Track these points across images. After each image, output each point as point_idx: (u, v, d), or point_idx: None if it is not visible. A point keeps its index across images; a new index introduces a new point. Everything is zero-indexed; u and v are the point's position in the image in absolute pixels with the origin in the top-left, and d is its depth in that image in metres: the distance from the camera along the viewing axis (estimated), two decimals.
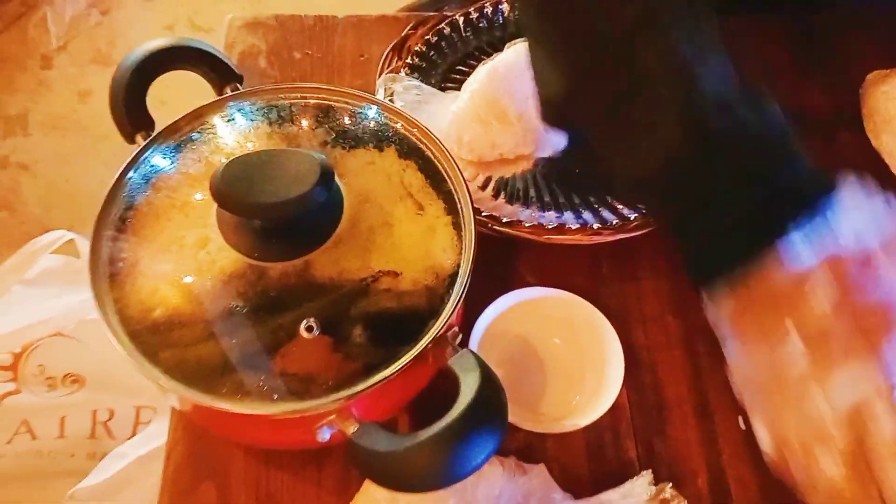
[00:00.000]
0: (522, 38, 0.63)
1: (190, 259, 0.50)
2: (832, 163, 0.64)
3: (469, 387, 0.43)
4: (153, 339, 0.48)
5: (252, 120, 0.56)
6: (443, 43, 0.73)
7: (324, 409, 0.44)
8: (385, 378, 0.45)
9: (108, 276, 0.49)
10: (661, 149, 0.43)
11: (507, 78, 0.64)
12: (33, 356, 0.82)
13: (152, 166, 0.53)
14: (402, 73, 0.69)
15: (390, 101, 0.67)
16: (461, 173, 0.53)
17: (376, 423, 0.44)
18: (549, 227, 0.60)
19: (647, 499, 0.47)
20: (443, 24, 0.73)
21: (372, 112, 0.57)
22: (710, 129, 0.42)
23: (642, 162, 0.44)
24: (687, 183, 0.43)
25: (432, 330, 0.46)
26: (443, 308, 0.48)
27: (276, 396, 0.46)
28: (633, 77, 0.44)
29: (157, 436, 0.77)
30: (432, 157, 0.55)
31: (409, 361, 0.46)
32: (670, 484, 0.50)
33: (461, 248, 0.51)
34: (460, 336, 0.49)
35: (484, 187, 0.65)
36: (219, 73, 0.58)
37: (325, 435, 0.46)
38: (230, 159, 0.47)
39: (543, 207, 0.64)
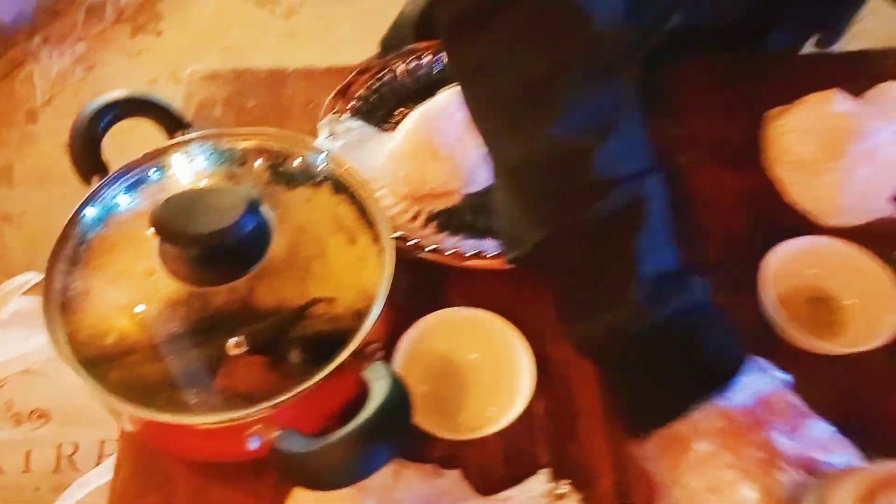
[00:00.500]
0: (453, 84, 0.70)
1: (136, 288, 0.56)
2: (737, 196, 0.71)
3: (378, 393, 0.49)
4: (102, 361, 0.53)
5: (197, 161, 0.62)
6: (384, 88, 0.79)
7: (249, 418, 0.50)
8: (302, 391, 0.50)
9: (60, 305, 0.54)
10: (611, 321, 0.55)
11: (437, 119, 0.71)
12: (2, 393, 0.86)
13: (104, 205, 0.59)
14: (346, 116, 0.76)
15: (332, 141, 0.73)
16: (382, 207, 0.59)
17: (295, 430, 0.49)
18: (468, 254, 0.66)
19: (545, 494, 0.52)
20: (384, 72, 0.80)
21: (309, 153, 0.63)
22: (649, 316, 0.53)
23: (592, 322, 0.56)
24: (628, 352, 0.55)
25: (347, 348, 0.52)
26: (360, 328, 0.53)
27: (210, 409, 0.51)
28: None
29: None
30: (360, 194, 0.61)
31: (326, 376, 0.51)
32: (567, 481, 0.54)
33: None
34: (382, 352, 0.55)
35: (415, 218, 0.71)
36: (168, 120, 0.64)
37: (254, 444, 0.50)
38: (169, 196, 0.53)
39: (469, 236, 0.69)
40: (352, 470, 0.47)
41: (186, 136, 0.63)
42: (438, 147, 0.70)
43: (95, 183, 0.60)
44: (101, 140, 0.61)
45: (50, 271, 0.55)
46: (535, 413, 0.62)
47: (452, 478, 0.55)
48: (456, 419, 0.60)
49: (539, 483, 0.53)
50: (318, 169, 0.63)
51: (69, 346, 0.53)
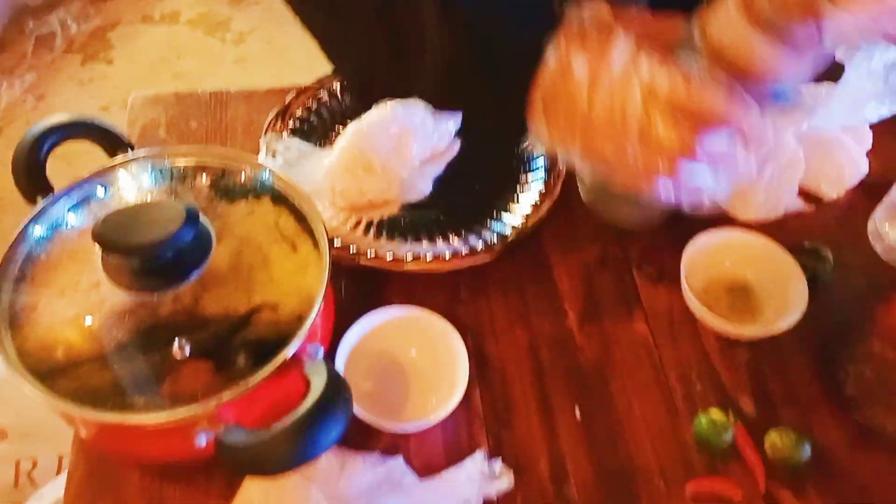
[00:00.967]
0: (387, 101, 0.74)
1: (83, 300, 0.58)
2: None
3: (317, 387, 0.52)
4: (53, 372, 0.55)
5: (139, 180, 0.64)
6: (322, 107, 0.83)
7: (195, 417, 0.52)
8: (245, 390, 0.53)
9: (8, 321, 0.57)
10: None
11: (371, 134, 0.75)
12: None
13: (49, 223, 0.61)
14: (285, 135, 0.79)
15: (272, 159, 0.76)
16: (319, 215, 0.62)
17: (239, 425, 0.52)
18: (407, 259, 0.69)
19: (481, 474, 0.56)
20: (322, 91, 0.83)
21: (250, 169, 0.66)
22: None
23: None
24: None
25: (286, 349, 0.55)
26: (299, 331, 0.56)
27: (157, 409, 0.53)
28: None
29: None
30: (299, 205, 0.64)
31: (267, 376, 0.54)
32: (499, 459, 0.58)
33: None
34: (322, 351, 0.58)
35: (356, 228, 0.74)
36: (110, 142, 0.67)
37: (202, 441, 0.53)
38: (111, 211, 0.56)
39: (409, 242, 0.73)
40: (292, 459, 0.50)
41: (129, 156, 0.65)
42: (372, 160, 0.73)
43: (40, 202, 0.62)
44: (44, 162, 0.64)
45: None
46: (474, 404, 0.65)
47: (395, 464, 0.58)
48: (399, 412, 0.63)
49: (475, 464, 0.56)
50: (258, 183, 0.66)
51: (19, 359, 0.55)
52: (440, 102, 0.70)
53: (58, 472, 0.87)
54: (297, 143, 0.79)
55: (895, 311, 0.60)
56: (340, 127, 0.81)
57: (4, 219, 1.74)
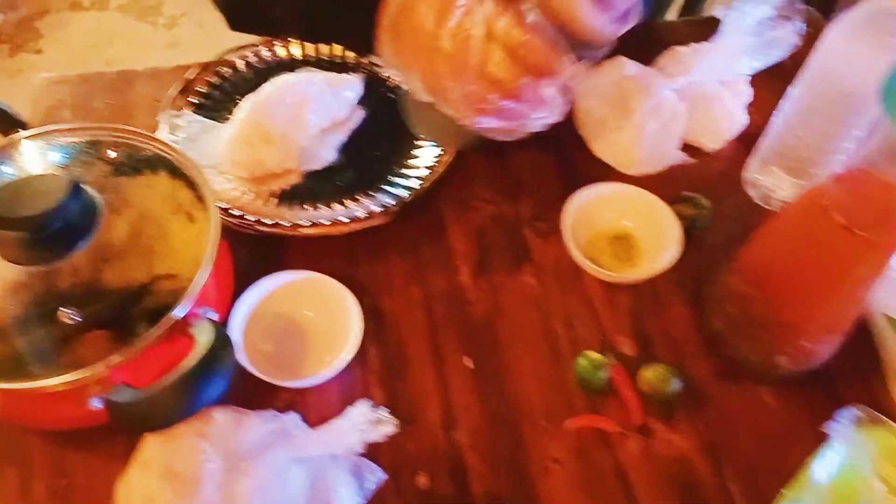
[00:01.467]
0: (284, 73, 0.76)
1: None
2: (551, 151, 0.79)
3: (201, 344, 0.55)
4: None
5: (34, 157, 0.66)
6: (225, 82, 0.85)
7: (87, 380, 0.55)
8: (133, 351, 0.55)
9: None
10: None
11: (267, 105, 0.77)
12: None
13: None
14: (187, 111, 0.81)
15: (173, 134, 0.78)
16: (211, 186, 0.64)
17: (127, 384, 0.54)
18: (305, 224, 0.72)
19: (365, 421, 0.59)
20: (223, 67, 0.85)
21: (146, 144, 0.68)
22: None
23: None
24: None
25: (171, 314, 0.57)
26: (185, 295, 0.59)
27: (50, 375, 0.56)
28: None
29: None
30: (193, 177, 0.66)
31: (156, 338, 0.56)
32: (382, 407, 0.61)
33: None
34: (213, 313, 0.60)
35: (259, 198, 0.76)
36: (3, 121, 0.68)
37: (96, 404, 0.55)
38: None
39: (310, 209, 0.76)
40: (176, 412, 0.53)
41: (21, 135, 0.67)
42: (269, 130, 0.76)
43: None
44: None
45: None
46: (369, 359, 0.69)
47: (289, 419, 0.61)
48: (297, 370, 0.66)
49: (358, 412, 0.60)
50: (154, 157, 0.68)
51: None
52: (298, 29, 0.71)
53: None
54: (198, 118, 0.81)
55: (753, 250, 0.64)
56: (241, 101, 0.83)
57: None
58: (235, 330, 0.65)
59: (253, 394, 0.64)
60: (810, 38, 0.70)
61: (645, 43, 0.86)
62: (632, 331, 0.71)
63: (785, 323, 0.63)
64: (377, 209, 0.74)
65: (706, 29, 0.81)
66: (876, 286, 0.60)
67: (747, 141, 0.82)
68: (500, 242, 0.76)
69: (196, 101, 0.82)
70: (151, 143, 0.69)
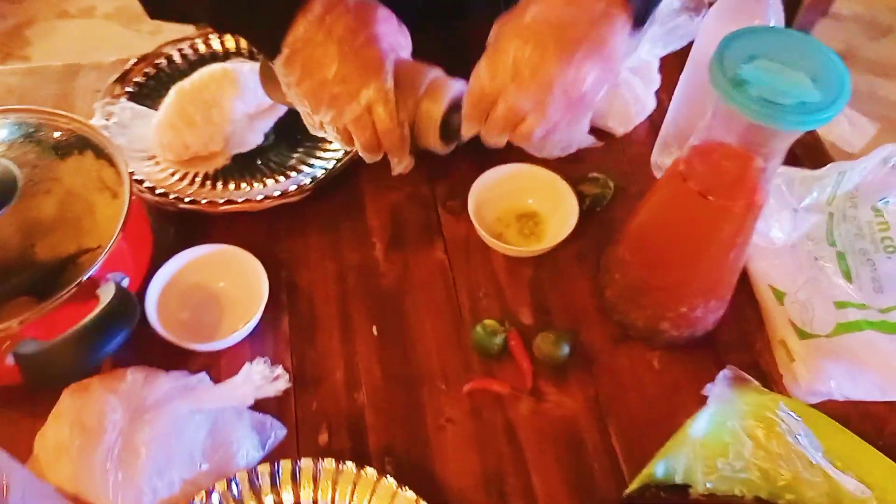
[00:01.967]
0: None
1: None
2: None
3: (103, 301, 0.59)
4: None
5: None
6: (160, 73, 0.89)
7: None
8: (43, 309, 0.60)
9: None
10: None
11: (192, 91, 0.82)
12: None
13: None
14: (123, 99, 0.86)
15: (107, 121, 0.83)
16: (126, 163, 0.69)
17: (34, 338, 0.59)
18: (220, 201, 0.76)
19: (261, 377, 0.63)
20: (160, 58, 0.90)
21: (75, 127, 0.73)
22: None
23: None
24: None
25: (80, 277, 0.61)
26: (96, 261, 0.63)
27: None
28: None
29: None
30: (113, 156, 0.71)
31: (65, 298, 0.61)
32: (280, 365, 0.65)
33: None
34: (125, 279, 0.65)
35: (183, 179, 0.81)
36: None
37: (9, 360, 0.60)
38: None
39: (236, 188, 0.80)
40: (78, 362, 0.58)
41: None
42: (194, 115, 0.80)
43: None
44: None
45: None
46: (282, 327, 0.73)
47: (197, 377, 0.65)
48: (212, 336, 0.70)
49: (256, 369, 0.64)
50: (81, 139, 0.72)
51: None
52: (209, 18, 0.75)
53: None
54: (131, 105, 0.85)
55: (634, 220, 0.68)
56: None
57: None
58: (152, 296, 0.69)
59: (170, 357, 0.69)
60: None
61: None
62: (532, 301, 0.75)
63: (660, 287, 0.66)
64: (292, 188, 0.78)
65: None
66: (741, 252, 0.64)
67: (657, 124, 0.86)
68: (414, 220, 0.81)
69: (131, 91, 0.87)
70: (78, 126, 0.73)
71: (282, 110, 0.87)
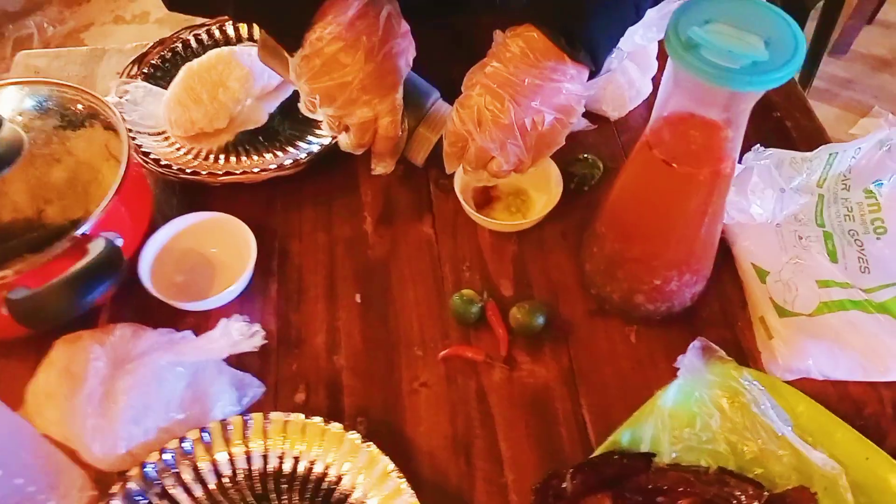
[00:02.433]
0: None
1: None
2: None
3: (91, 253, 0.62)
4: None
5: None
6: (176, 56, 0.94)
7: None
8: (38, 261, 0.64)
9: None
10: None
11: (200, 70, 0.86)
12: None
13: None
14: (139, 80, 0.90)
15: (119, 98, 0.87)
16: (125, 133, 0.73)
17: (25, 286, 0.62)
18: (220, 172, 0.80)
19: (238, 333, 0.66)
20: (177, 43, 0.95)
21: (85, 101, 0.77)
22: None
23: None
24: None
25: (73, 232, 0.65)
26: (87, 219, 0.67)
27: None
28: None
29: None
30: (119, 127, 0.75)
31: (60, 252, 0.64)
32: (258, 325, 0.68)
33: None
34: (119, 239, 0.68)
35: (189, 153, 0.85)
36: None
37: (4, 310, 0.64)
38: None
39: (237, 162, 0.84)
40: (64, 306, 0.61)
41: None
42: (200, 93, 0.84)
43: None
44: None
45: None
46: (270, 293, 0.76)
47: (182, 333, 0.69)
48: (205, 296, 0.73)
49: (234, 326, 0.66)
50: (91, 112, 0.76)
51: None
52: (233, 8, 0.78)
53: None
54: (145, 85, 0.90)
55: (611, 194, 0.69)
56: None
57: None
58: (147, 258, 0.73)
59: (163, 317, 0.72)
60: None
61: None
62: (514, 274, 0.76)
63: (634, 259, 0.67)
64: (288, 162, 0.81)
65: None
66: (714, 224, 0.64)
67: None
68: (406, 197, 0.83)
69: (147, 72, 0.92)
70: (88, 99, 0.78)
71: (287, 92, 0.90)
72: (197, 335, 0.70)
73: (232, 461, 0.63)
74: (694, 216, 0.62)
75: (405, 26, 0.70)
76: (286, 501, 0.62)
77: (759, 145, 0.79)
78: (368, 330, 0.73)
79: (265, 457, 0.63)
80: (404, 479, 0.59)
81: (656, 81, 0.89)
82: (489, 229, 0.79)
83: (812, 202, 0.76)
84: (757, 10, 0.54)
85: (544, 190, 0.79)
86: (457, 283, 0.76)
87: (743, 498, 0.58)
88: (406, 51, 0.70)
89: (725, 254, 0.74)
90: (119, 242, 0.69)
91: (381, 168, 0.76)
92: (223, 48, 0.89)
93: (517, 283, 0.75)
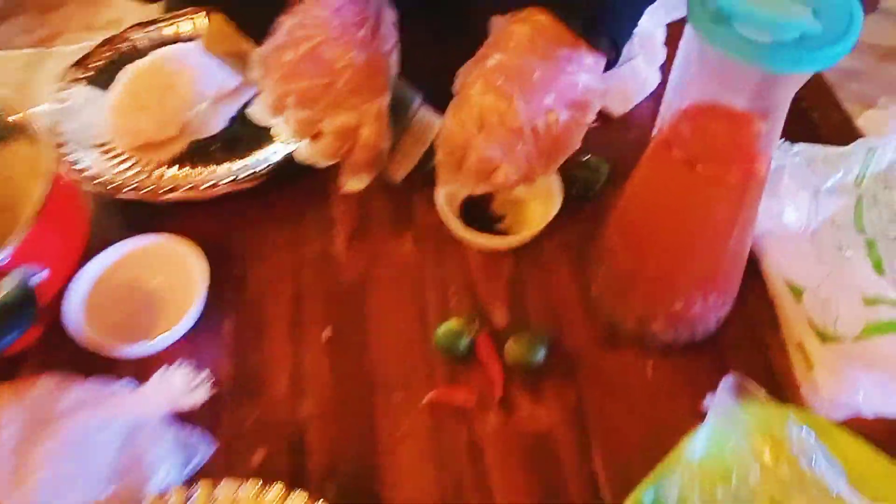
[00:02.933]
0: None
1: None
2: None
3: None
4: None
5: None
6: (122, 57, 0.83)
7: None
8: None
9: None
10: None
11: (144, 75, 0.75)
12: None
13: None
14: (78, 84, 0.80)
15: (58, 105, 0.77)
16: (50, 151, 0.63)
17: None
18: (163, 190, 0.69)
19: (181, 384, 0.55)
20: (124, 43, 0.84)
21: (11, 114, 0.67)
22: None
23: None
24: None
25: None
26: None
27: None
28: None
29: None
30: (42, 144, 0.65)
31: None
32: (205, 372, 0.57)
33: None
34: (41, 274, 0.58)
35: (135, 166, 0.74)
36: None
37: None
38: None
39: (190, 174, 0.73)
40: None
41: None
42: (147, 100, 0.74)
43: None
44: None
45: None
46: (224, 330, 0.65)
47: (117, 385, 0.58)
48: (148, 335, 0.63)
49: (174, 376, 0.56)
50: (16, 126, 0.66)
51: None
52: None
53: None
54: (85, 90, 0.79)
55: (622, 201, 0.58)
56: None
57: None
58: (77, 294, 0.62)
59: (100, 363, 0.61)
60: None
61: None
62: (508, 299, 0.65)
63: (650, 278, 0.57)
64: (244, 175, 0.71)
65: None
66: (744, 235, 0.54)
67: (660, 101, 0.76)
68: (384, 209, 0.72)
69: (90, 76, 0.81)
70: (14, 112, 0.68)
71: (249, 94, 0.80)
72: (140, 384, 0.59)
73: None
74: (721, 226, 0.52)
75: (393, 16, 0.59)
76: None
77: (784, 140, 0.69)
78: (339, 372, 0.62)
79: None
80: None
81: (665, 72, 0.79)
82: (479, 247, 0.68)
83: (850, 204, 0.66)
84: None
85: (542, 198, 0.69)
86: (442, 311, 0.65)
87: None
88: (395, 46, 0.59)
89: (751, 268, 0.63)
90: (39, 277, 0.58)
91: (353, 183, 0.64)
92: (170, 46, 0.78)
93: (513, 310, 0.65)
